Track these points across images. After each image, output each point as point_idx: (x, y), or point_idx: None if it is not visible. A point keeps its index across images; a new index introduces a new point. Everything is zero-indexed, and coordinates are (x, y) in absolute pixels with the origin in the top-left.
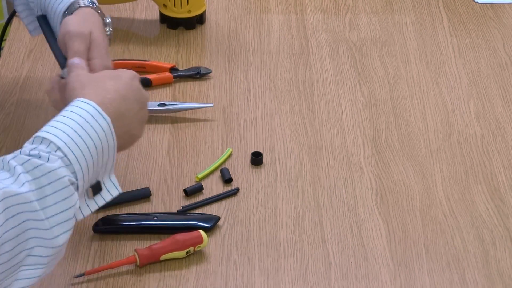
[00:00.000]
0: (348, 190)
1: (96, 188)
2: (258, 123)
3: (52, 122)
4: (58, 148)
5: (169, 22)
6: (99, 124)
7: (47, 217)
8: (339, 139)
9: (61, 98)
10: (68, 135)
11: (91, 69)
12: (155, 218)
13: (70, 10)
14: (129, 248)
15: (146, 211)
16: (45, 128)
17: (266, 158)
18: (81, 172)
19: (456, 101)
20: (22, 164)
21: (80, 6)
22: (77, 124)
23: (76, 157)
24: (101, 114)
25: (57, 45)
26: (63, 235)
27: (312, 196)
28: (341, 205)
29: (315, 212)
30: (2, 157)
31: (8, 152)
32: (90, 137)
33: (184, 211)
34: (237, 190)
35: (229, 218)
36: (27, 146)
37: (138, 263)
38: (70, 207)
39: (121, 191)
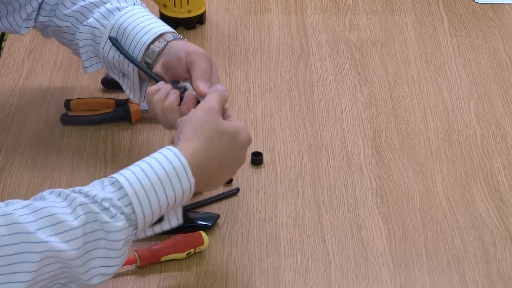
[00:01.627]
0: (348, 190)
1: (157, 220)
2: (258, 123)
3: (136, 170)
4: (130, 203)
5: (169, 22)
6: (181, 184)
7: (87, 269)
8: (339, 139)
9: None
10: (145, 192)
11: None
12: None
13: (160, 41)
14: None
15: None
16: (127, 173)
17: (266, 158)
18: (143, 223)
19: (456, 101)
20: (86, 214)
21: (176, 38)
22: (159, 180)
23: (144, 215)
24: (187, 175)
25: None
26: (101, 282)
27: (312, 196)
28: (341, 205)
29: (315, 212)
30: (70, 194)
31: (8, 152)
32: (166, 196)
33: (184, 211)
34: (237, 190)
35: (229, 218)
36: (107, 189)
37: (138, 263)
38: (115, 265)
39: (181, 222)
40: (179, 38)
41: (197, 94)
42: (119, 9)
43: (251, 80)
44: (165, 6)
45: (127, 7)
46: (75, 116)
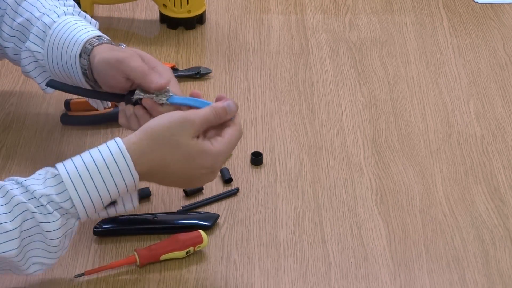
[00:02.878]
0: (348, 190)
1: (110, 203)
2: (258, 123)
3: (79, 162)
4: (69, 198)
5: (169, 22)
6: (124, 178)
7: (26, 261)
8: (339, 139)
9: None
10: (85, 186)
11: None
12: (155, 218)
13: (87, 48)
14: (129, 248)
15: (146, 211)
16: (70, 168)
17: (266, 158)
18: (85, 214)
19: (456, 101)
20: (23, 212)
21: (101, 43)
22: (99, 174)
23: (84, 207)
24: (124, 159)
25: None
26: (39, 270)
27: (312, 196)
28: (341, 205)
29: (315, 212)
30: (10, 191)
31: (8, 152)
32: (107, 189)
33: (184, 211)
34: (237, 190)
35: (229, 218)
36: (48, 183)
37: (138, 263)
38: (55, 258)
39: (137, 207)
40: (97, 44)
41: (156, 92)
42: (49, 27)
43: (251, 80)
44: (165, 6)
45: (54, 22)
46: (75, 116)
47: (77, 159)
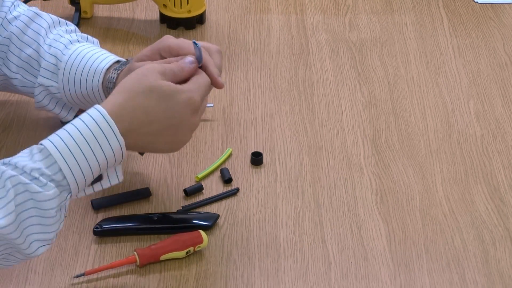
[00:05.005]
0: (348, 190)
1: (96, 178)
2: (258, 123)
3: (63, 134)
4: (60, 170)
5: (169, 22)
6: (110, 144)
7: (25, 239)
8: (339, 139)
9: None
10: (74, 157)
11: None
12: (155, 218)
13: (111, 77)
14: (129, 248)
15: (146, 211)
16: (56, 141)
17: (266, 158)
18: (76, 187)
19: (456, 101)
20: (15, 186)
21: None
22: (86, 143)
23: (75, 179)
24: (115, 135)
25: None
26: (41, 248)
27: (312, 196)
28: (341, 205)
29: (315, 212)
30: (2, 170)
31: (8, 152)
32: (96, 158)
33: (184, 211)
34: (237, 190)
35: (229, 218)
36: (36, 158)
37: (138, 263)
38: (53, 231)
39: (121, 180)
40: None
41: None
42: (59, 59)
43: (251, 80)
44: (165, 6)
45: (64, 55)
46: (75, 116)
47: (62, 132)
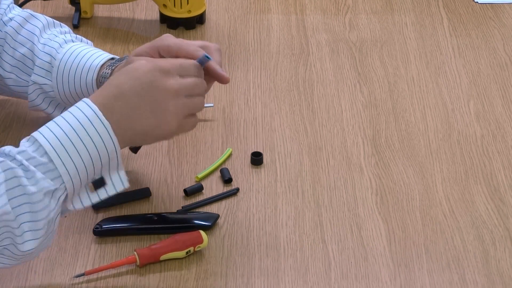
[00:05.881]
0: (348, 190)
1: (99, 183)
2: (258, 123)
3: (51, 123)
4: (45, 153)
5: (169, 22)
6: (96, 130)
7: (19, 225)
8: (339, 139)
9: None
10: (59, 140)
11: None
12: (155, 218)
13: (106, 73)
14: (129, 248)
15: (146, 211)
16: (42, 128)
17: (266, 158)
18: (67, 175)
19: (456, 101)
20: (5, 171)
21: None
22: (71, 128)
23: (62, 162)
24: (99, 119)
25: None
26: (30, 242)
27: (312, 196)
28: (341, 205)
29: (315, 212)
30: None
31: None
32: (82, 142)
33: (184, 211)
34: (237, 190)
35: (229, 218)
36: (23, 144)
37: (138, 263)
38: (41, 219)
39: (127, 186)
40: (115, 67)
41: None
42: (54, 58)
43: (251, 80)
44: (165, 6)
45: (58, 53)
46: None
47: (51, 124)
